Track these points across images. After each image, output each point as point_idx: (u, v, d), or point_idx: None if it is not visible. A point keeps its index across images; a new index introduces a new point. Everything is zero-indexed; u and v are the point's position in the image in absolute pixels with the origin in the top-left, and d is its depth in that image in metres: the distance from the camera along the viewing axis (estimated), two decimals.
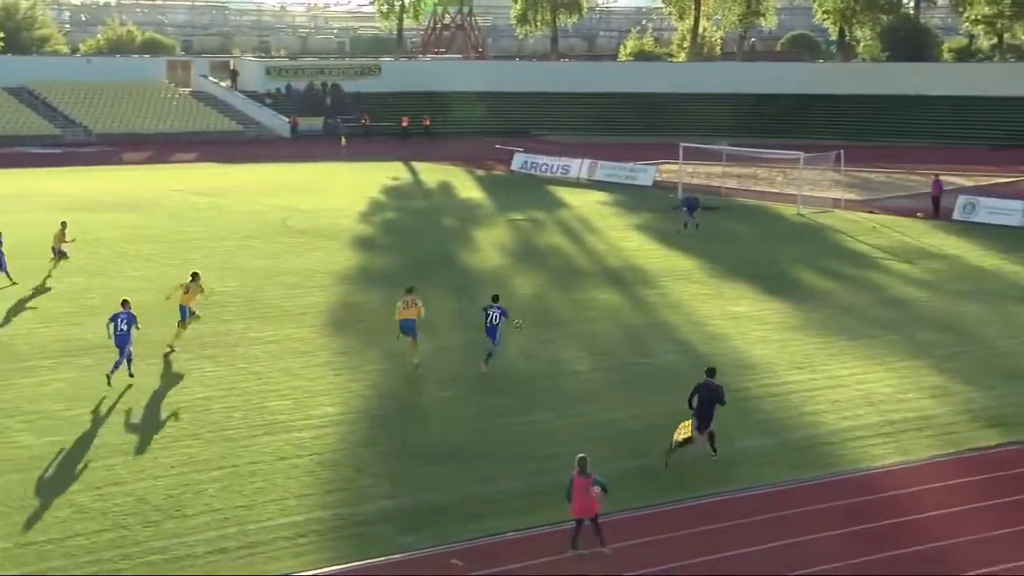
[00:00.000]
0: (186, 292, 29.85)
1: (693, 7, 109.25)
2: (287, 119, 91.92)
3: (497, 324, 27.71)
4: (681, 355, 30.12)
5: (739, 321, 33.67)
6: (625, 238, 48.10)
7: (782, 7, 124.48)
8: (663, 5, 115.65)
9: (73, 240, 39.17)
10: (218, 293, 34.64)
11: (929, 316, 34.45)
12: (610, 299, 36.58)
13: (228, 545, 18.80)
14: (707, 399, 21.99)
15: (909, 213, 54.53)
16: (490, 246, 46.33)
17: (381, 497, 20.80)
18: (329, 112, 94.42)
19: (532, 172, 71.16)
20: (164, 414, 25.09)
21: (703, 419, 21.94)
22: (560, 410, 25.61)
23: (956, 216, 52.70)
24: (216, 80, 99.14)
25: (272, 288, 34.96)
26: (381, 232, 50.04)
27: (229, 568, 18.10)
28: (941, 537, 19.28)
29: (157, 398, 26.11)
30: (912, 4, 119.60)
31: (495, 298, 28.57)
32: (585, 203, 58.13)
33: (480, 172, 72.74)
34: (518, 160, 73.53)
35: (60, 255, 38.53)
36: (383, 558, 18.47)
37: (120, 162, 76.88)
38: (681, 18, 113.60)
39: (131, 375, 26.96)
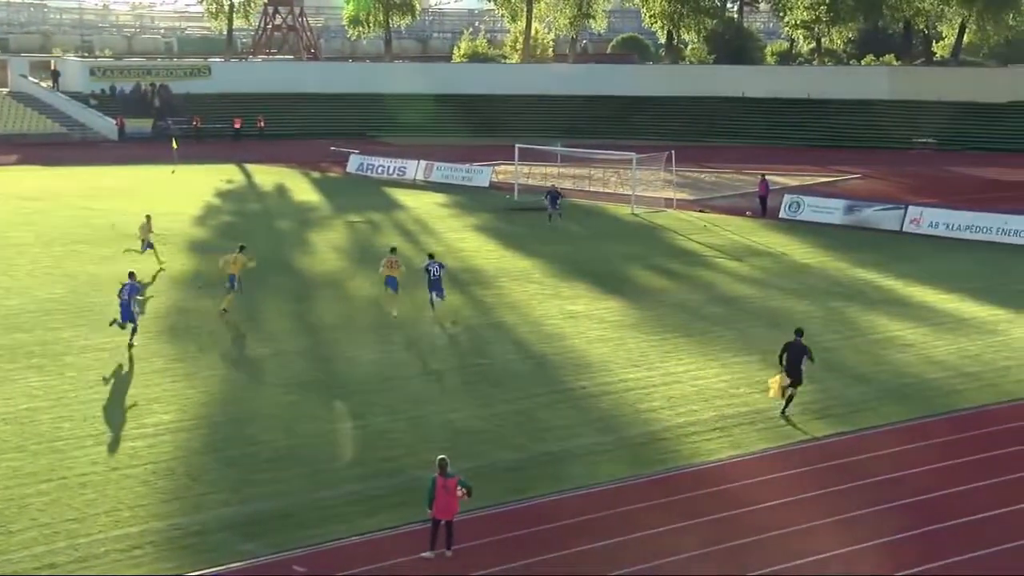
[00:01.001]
0: (234, 262, 33.60)
1: (525, 9, 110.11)
2: (114, 121, 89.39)
3: (439, 277, 33.01)
4: (519, 355, 30.38)
5: (576, 320, 34.11)
6: (463, 239, 48.23)
7: (612, 10, 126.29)
8: (495, 7, 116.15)
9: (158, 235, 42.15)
10: (46, 300, 33.36)
11: (758, 312, 35.45)
12: (448, 300, 36.57)
13: (58, 560, 18.22)
14: (796, 356, 24.89)
15: (738, 212, 56.02)
16: (327, 248, 45.91)
17: (219, 505, 20.43)
18: (158, 114, 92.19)
19: (368, 174, 70.78)
20: None
21: (793, 374, 24.94)
22: (400, 412, 25.52)
23: (782, 215, 54.39)
24: (36, 80, 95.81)
25: (102, 295, 33.92)
26: (215, 236, 49.05)
27: None
28: (774, 527, 19.84)
29: None
30: (736, 9, 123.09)
31: (431, 256, 34.08)
32: (422, 204, 58.10)
33: (316, 174, 71.98)
34: (354, 162, 73.07)
35: (149, 246, 40.69)
36: (223, 567, 18.14)
37: None
38: (513, 20, 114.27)
39: (131, 344, 29.59)
